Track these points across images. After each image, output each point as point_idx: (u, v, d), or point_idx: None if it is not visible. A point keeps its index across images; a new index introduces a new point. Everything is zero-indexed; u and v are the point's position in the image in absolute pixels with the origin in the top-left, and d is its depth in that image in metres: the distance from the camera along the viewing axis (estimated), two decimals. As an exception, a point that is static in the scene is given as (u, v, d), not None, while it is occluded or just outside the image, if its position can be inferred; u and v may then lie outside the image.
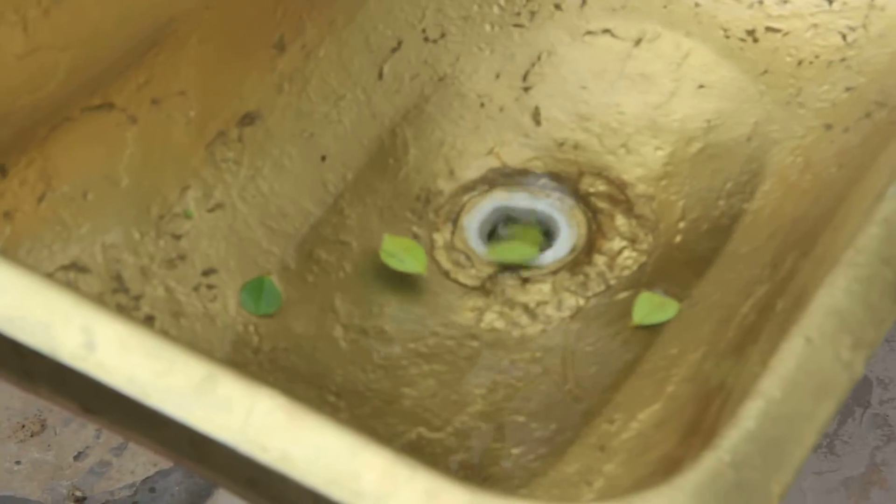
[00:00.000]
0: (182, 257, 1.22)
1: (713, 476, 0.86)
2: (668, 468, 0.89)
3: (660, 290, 1.28)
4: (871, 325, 0.92)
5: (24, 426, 2.05)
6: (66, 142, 1.17)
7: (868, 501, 2.04)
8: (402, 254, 1.25)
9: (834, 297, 0.92)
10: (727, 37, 1.38)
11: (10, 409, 2.05)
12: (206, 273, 1.23)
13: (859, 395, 2.11)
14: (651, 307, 1.25)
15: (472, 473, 0.89)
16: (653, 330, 1.23)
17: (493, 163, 1.34)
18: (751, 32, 1.37)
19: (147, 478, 1.98)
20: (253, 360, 1.05)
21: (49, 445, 2.02)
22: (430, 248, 1.31)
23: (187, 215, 1.23)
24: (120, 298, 1.15)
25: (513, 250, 1.29)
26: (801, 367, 0.91)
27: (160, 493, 1.98)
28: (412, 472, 0.85)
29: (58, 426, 2.03)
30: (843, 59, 1.29)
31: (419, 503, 0.85)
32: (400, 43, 1.37)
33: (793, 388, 0.90)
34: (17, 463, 2.04)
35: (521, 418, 1.16)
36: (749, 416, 0.88)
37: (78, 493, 2.00)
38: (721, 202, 1.29)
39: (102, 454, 2.01)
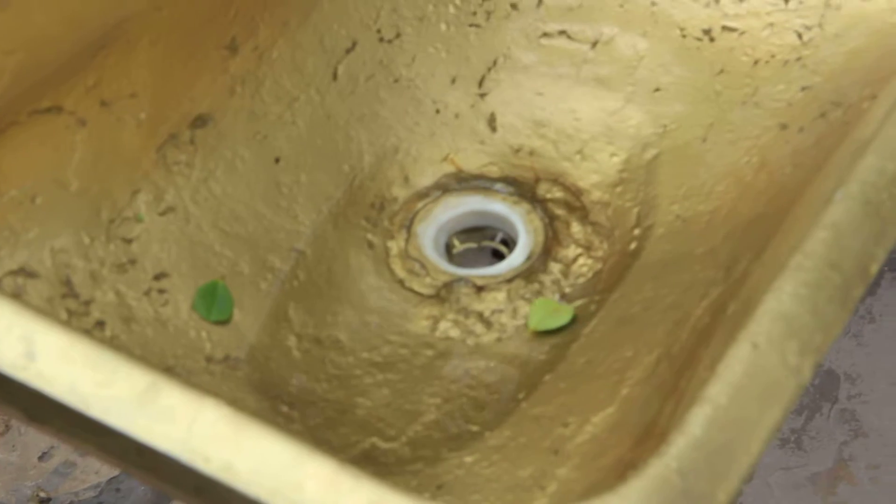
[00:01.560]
0: (133, 262, 1.22)
1: (660, 484, 0.87)
2: (621, 472, 0.89)
3: (557, 296, 1.28)
4: (819, 331, 0.92)
5: None
6: (14, 145, 1.17)
7: (835, 497, 2.05)
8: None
9: (781, 301, 0.93)
10: (683, 36, 1.38)
11: None
12: (158, 277, 1.22)
13: (827, 390, 2.12)
14: (545, 313, 1.25)
15: (426, 482, 0.89)
16: (607, 334, 1.22)
17: (449, 169, 1.34)
18: (707, 32, 1.37)
19: (112, 478, 1.99)
20: (205, 369, 1.05)
21: (13, 446, 2.03)
22: (385, 257, 1.32)
23: (138, 219, 1.23)
24: (69, 304, 1.15)
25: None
26: (747, 373, 0.91)
27: (125, 493, 1.98)
28: (356, 482, 0.86)
29: (22, 427, 2.03)
30: (798, 59, 1.29)
31: None
32: (354, 43, 1.37)
33: (739, 395, 0.90)
34: None
35: (475, 427, 1.16)
36: (696, 423, 0.89)
37: (42, 494, 2.00)
38: (675, 206, 1.29)
39: (67, 455, 2.02)
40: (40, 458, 2.02)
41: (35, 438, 2.05)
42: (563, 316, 1.26)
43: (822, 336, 0.91)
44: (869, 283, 1.00)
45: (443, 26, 1.36)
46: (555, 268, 1.29)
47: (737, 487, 0.89)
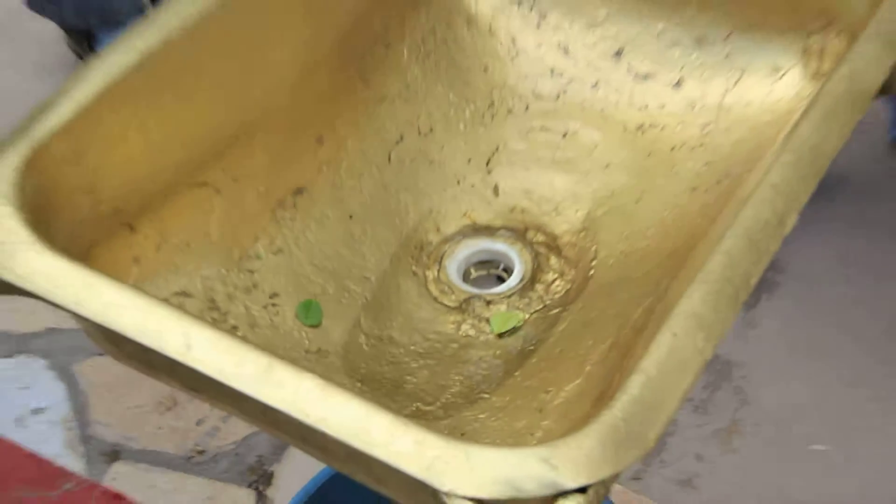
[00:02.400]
0: (255, 286, 1.23)
1: (610, 428, 0.89)
2: (585, 422, 0.90)
3: (512, 308, 1.29)
4: (717, 324, 0.94)
5: (162, 402, 2.05)
6: (176, 208, 1.18)
7: (730, 445, 2.04)
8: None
9: (692, 305, 0.94)
10: (625, 130, 1.38)
11: (154, 391, 2.06)
12: (272, 296, 1.23)
13: (724, 373, 2.13)
14: (503, 320, 1.26)
15: (454, 432, 0.91)
16: (574, 331, 1.24)
17: (466, 222, 1.35)
18: (640, 127, 1.37)
19: (245, 437, 1.99)
20: (304, 357, 1.06)
21: (179, 416, 2.06)
22: (424, 282, 1.32)
23: (258, 257, 1.24)
24: (213, 314, 1.16)
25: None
26: (669, 353, 0.92)
27: (253, 445, 1.98)
28: (406, 428, 0.87)
29: (185, 402, 2.04)
30: (701, 145, 1.29)
31: (410, 447, 0.87)
32: (402, 136, 1.37)
33: (663, 368, 0.92)
34: (159, 428, 2.04)
35: (485, 395, 1.18)
36: (634, 387, 0.90)
37: (199, 448, 2.00)
38: (620, 245, 1.29)
39: (215, 422, 2.01)
40: (197, 424, 2.02)
41: (193, 410, 2.11)
42: (514, 319, 1.27)
43: (720, 328, 0.93)
44: (750, 293, 1.02)
45: (461, 125, 1.37)
46: (539, 287, 1.29)
47: (661, 431, 0.91)
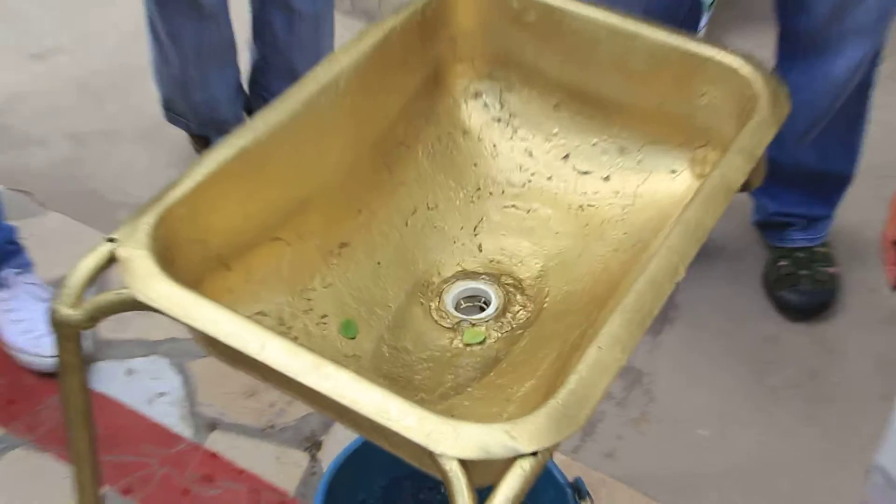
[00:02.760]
0: (311, 309, 1.23)
1: (553, 411, 0.89)
2: (536, 408, 0.90)
3: (480, 326, 1.29)
4: (630, 341, 0.95)
5: (246, 391, 2.04)
6: (258, 255, 1.20)
7: (640, 429, 2.04)
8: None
9: (613, 328, 0.95)
10: (570, 209, 1.37)
11: (241, 382, 2.07)
12: (322, 317, 1.23)
13: (636, 379, 2.13)
14: (471, 335, 1.25)
15: (446, 413, 0.90)
16: (532, 345, 1.23)
17: (459, 269, 1.34)
18: (580, 207, 1.36)
19: (303, 416, 1.99)
20: (343, 359, 1.05)
21: (258, 400, 2.03)
22: (429, 310, 1.30)
23: (313, 289, 1.24)
24: (282, 328, 1.16)
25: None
26: (596, 361, 0.93)
27: (309, 422, 1.95)
28: (413, 409, 0.88)
29: (262, 391, 2.04)
30: (622, 220, 1.32)
31: (415, 423, 0.88)
32: (415, 209, 1.36)
33: (591, 370, 0.92)
34: (244, 408, 2.03)
35: (469, 389, 1.17)
36: (571, 384, 0.91)
37: (270, 423, 1.97)
38: (565, 287, 1.29)
39: (282, 405, 2.01)
40: (269, 406, 1.99)
41: (267, 396, 2.06)
42: (479, 336, 1.25)
43: (631, 344, 0.94)
44: (653, 321, 1.02)
45: (457, 202, 1.38)
46: (508, 315, 1.28)
47: (589, 414, 0.91)
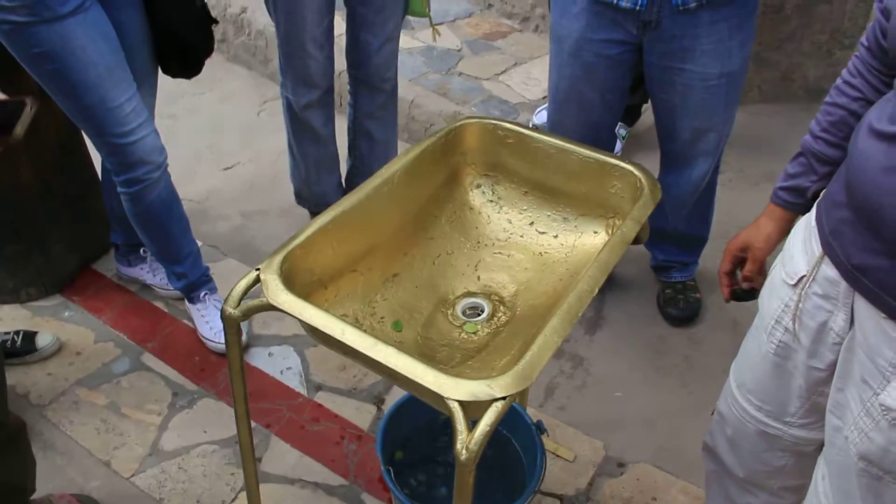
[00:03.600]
0: (374, 313, 1.21)
1: (516, 373, 0.90)
2: (506, 371, 0.91)
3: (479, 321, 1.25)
4: (564, 330, 0.95)
5: (339, 366, 2.05)
6: (343, 279, 1.19)
7: (582, 391, 2.02)
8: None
9: (554, 323, 0.95)
10: (534, 254, 1.34)
11: (357, 363, 2.08)
12: (381, 318, 1.21)
13: (578, 361, 2.10)
14: (469, 327, 1.23)
15: (457, 376, 0.91)
16: (507, 338, 1.20)
17: (465, 290, 1.30)
18: (541, 254, 1.34)
19: (373, 383, 1.98)
20: (394, 344, 1.04)
21: (347, 372, 2.02)
22: (447, 315, 1.27)
23: (376, 302, 1.23)
24: (356, 325, 1.15)
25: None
26: (543, 343, 0.94)
27: (376, 386, 1.97)
28: (431, 370, 0.89)
29: (349, 367, 2.03)
30: (565, 260, 1.30)
31: (433, 378, 0.88)
32: (439, 255, 1.33)
33: (540, 349, 0.93)
34: (337, 377, 2.02)
35: (470, 362, 1.16)
36: (527, 356, 0.91)
37: (353, 386, 1.97)
38: (530, 301, 1.27)
39: (360, 376, 2.00)
40: (353, 376, 2.00)
41: (351, 371, 2.02)
42: (474, 328, 1.23)
43: (564, 333, 0.94)
44: (579, 319, 1.02)
45: (465, 250, 1.34)
46: (495, 318, 1.25)
47: (538, 374, 0.91)
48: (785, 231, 1.24)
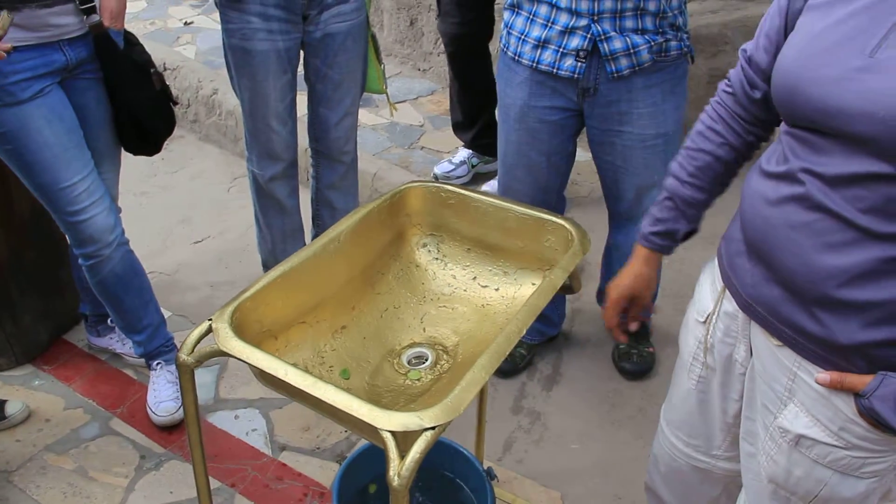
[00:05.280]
0: (322, 362, 1.25)
1: (445, 406, 0.94)
2: (436, 404, 0.97)
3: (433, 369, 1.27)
4: (491, 367, 1.00)
5: (302, 428, 2.06)
6: (293, 331, 1.23)
7: (539, 444, 2.04)
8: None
9: (483, 361, 1.00)
10: (476, 306, 1.39)
11: (300, 424, 2.07)
12: (329, 367, 1.25)
13: (535, 417, 2.10)
14: (414, 374, 1.28)
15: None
16: (449, 381, 1.24)
17: (410, 341, 1.35)
18: (483, 306, 1.38)
19: (335, 442, 2.01)
20: (341, 389, 1.05)
21: (310, 433, 2.04)
22: (392, 365, 1.30)
23: (325, 351, 1.27)
24: (311, 368, 1.21)
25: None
26: (470, 380, 0.98)
27: (338, 445, 2.01)
28: (366, 405, 0.92)
29: (312, 427, 2.04)
30: (505, 311, 1.35)
31: (367, 412, 0.90)
32: (386, 309, 1.37)
33: (468, 383, 0.97)
34: (301, 437, 2.04)
35: (412, 404, 1.19)
36: (456, 390, 0.96)
37: (317, 446, 1.95)
38: (471, 349, 1.31)
39: (323, 436, 2.01)
40: (317, 436, 2.00)
41: (315, 431, 2.04)
42: (418, 375, 1.27)
43: (490, 370, 0.99)
44: (504, 359, 1.08)
45: (412, 304, 1.39)
46: (437, 366, 1.29)
47: (465, 406, 0.95)
48: (656, 272, 1.31)
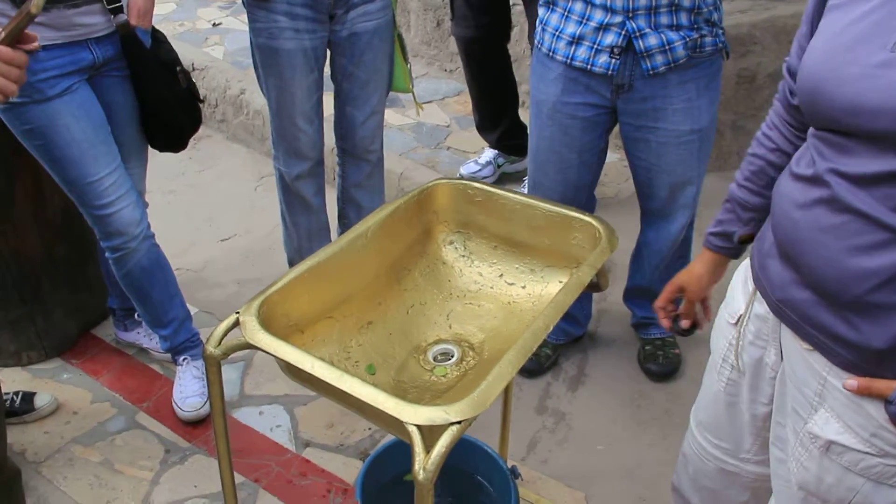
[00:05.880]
0: (348, 357, 1.26)
1: (471, 400, 0.95)
2: (463, 399, 0.97)
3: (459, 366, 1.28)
4: (518, 363, 0.99)
5: (327, 424, 2.09)
6: (320, 325, 1.24)
7: (564, 444, 2.03)
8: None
9: (509, 356, 1.00)
10: (503, 304, 1.40)
11: (324, 421, 2.07)
12: (355, 362, 1.26)
13: (560, 417, 2.10)
14: (440, 370, 1.29)
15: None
16: (475, 377, 1.24)
17: (436, 338, 1.35)
18: (509, 303, 1.39)
19: (360, 440, 2.00)
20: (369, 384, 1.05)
21: (334, 430, 2.05)
22: (419, 361, 1.30)
23: (351, 347, 1.27)
24: (337, 363, 1.22)
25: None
26: (497, 374, 0.98)
27: (362, 442, 2.01)
28: (392, 398, 0.92)
29: (337, 424, 2.04)
30: (532, 308, 1.36)
31: (393, 405, 0.91)
32: (413, 305, 1.38)
33: (494, 378, 0.97)
34: (325, 434, 2.06)
35: (437, 400, 1.15)
36: (482, 384, 0.96)
37: (341, 442, 1.98)
38: (497, 346, 1.31)
39: (347, 433, 2.03)
40: (340, 433, 2.01)
41: (339, 428, 2.05)
42: (443, 371, 1.28)
43: (518, 365, 0.99)
44: (532, 354, 1.07)
45: (437, 301, 1.40)
46: (463, 362, 1.29)
47: (491, 401, 0.95)
48: (715, 273, 1.31)
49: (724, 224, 1.26)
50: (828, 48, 0.93)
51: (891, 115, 0.84)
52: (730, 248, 1.27)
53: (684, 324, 1.37)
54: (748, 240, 1.25)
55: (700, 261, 1.31)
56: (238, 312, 1.13)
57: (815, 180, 0.96)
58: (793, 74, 1.09)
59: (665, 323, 1.38)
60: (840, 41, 0.91)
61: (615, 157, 3.08)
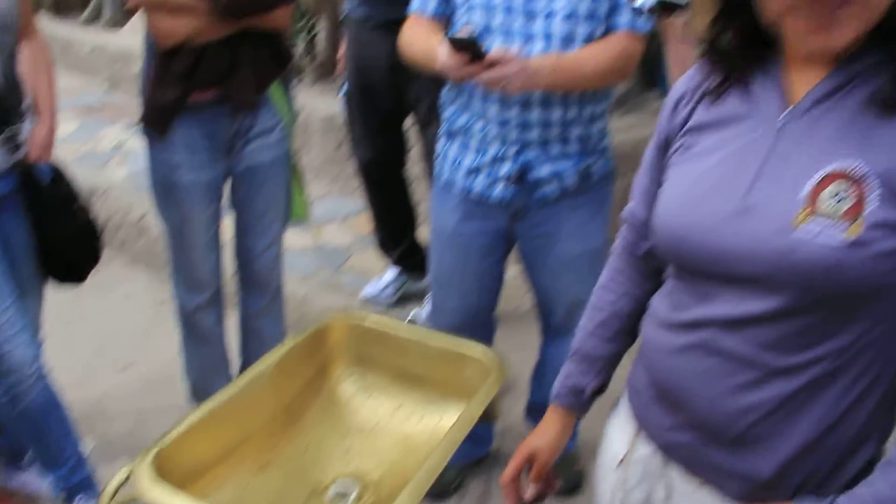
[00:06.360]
0: (248, 499, 1.25)
1: None
2: None
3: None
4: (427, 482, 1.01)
5: None
6: (219, 470, 1.21)
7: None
8: None
9: (403, 500, 1.00)
10: (401, 438, 1.37)
11: None
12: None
13: None
14: None
15: None
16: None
17: (334, 476, 1.32)
18: (407, 437, 1.38)
19: None
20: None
21: None
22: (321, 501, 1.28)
23: (248, 487, 1.25)
24: None
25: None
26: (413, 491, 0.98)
27: None
28: None
29: None
30: (430, 441, 1.34)
31: None
32: (311, 444, 1.36)
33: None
34: None
35: None
36: None
37: None
38: (395, 481, 1.28)
39: None
40: None
41: None
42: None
43: (419, 498, 1.02)
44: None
45: (336, 439, 1.38)
46: (361, 500, 1.26)
47: None
48: (566, 433, 1.26)
49: (573, 377, 1.25)
50: (686, 199, 0.99)
51: (753, 260, 0.90)
52: (580, 405, 1.26)
53: (528, 496, 1.28)
54: (599, 391, 1.26)
55: (550, 422, 1.27)
56: (132, 463, 1.12)
57: (684, 327, 1.01)
58: (637, 223, 1.16)
59: (513, 500, 1.25)
60: (696, 191, 0.98)
61: (515, 273, 3.17)
